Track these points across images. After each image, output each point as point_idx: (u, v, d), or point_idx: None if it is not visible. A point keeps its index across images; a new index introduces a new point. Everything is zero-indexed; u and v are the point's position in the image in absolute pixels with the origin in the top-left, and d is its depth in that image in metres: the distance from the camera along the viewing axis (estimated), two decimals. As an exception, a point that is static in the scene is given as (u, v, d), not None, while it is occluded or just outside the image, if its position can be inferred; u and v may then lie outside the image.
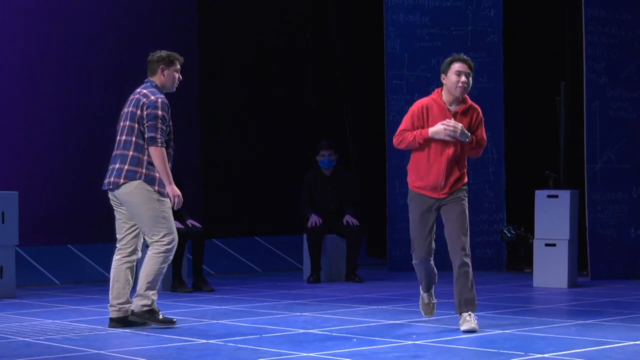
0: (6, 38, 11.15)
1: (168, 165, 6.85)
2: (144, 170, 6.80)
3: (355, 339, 6.19)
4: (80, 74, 11.63)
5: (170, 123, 6.96)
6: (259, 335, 6.42)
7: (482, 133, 6.56)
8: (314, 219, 10.19)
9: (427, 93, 11.18)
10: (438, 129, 6.37)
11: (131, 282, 6.87)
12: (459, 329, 6.43)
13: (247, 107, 12.81)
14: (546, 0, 11.44)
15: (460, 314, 6.48)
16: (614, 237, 9.91)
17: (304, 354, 5.68)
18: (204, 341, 6.23)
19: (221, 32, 12.73)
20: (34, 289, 9.65)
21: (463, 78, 6.40)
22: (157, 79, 7.00)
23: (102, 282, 10.20)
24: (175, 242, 6.86)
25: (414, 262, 6.70)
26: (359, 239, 10.27)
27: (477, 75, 11.16)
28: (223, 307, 8.09)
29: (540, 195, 9.65)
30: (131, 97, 6.96)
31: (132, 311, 6.80)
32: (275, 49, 12.99)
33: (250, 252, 11.92)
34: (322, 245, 10.26)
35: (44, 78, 11.40)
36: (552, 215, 9.48)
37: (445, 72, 6.50)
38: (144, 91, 6.92)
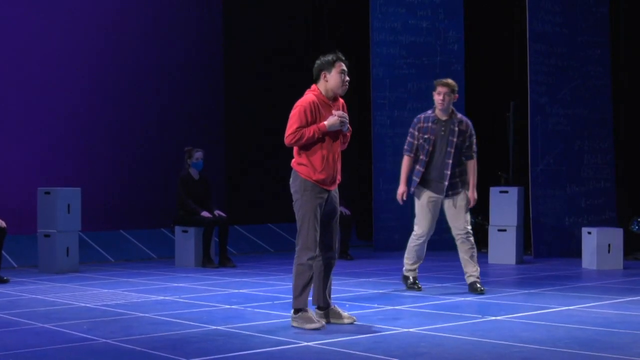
0: (53, 47, 11.10)
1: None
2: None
3: (347, 304, 6.16)
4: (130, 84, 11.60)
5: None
6: (271, 302, 6.42)
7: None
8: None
9: (404, 110, 11.35)
10: (333, 121, 5.20)
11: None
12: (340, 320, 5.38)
13: (255, 119, 12.73)
14: (499, 38, 11.42)
15: (331, 306, 5.40)
16: (552, 224, 9.91)
17: (307, 317, 5.65)
18: (228, 306, 6.22)
19: (244, 42, 12.60)
20: (93, 265, 9.64)
21: (347, 77, 5.28)
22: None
23: (146, 260, 10.20)
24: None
25: (303, 261, 5.17)
26: (350, 225, 10.26)
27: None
28: (243, 279, 8.08)
29: (494, 191, 9.67)
30: None
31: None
32: (279, 86, 12.79)
33: (264, 236, 11.90)
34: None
35: (99, 93, 11.38)
36: (503, 207, 9.49)
37: (329, 70, 5.25)
38: None
